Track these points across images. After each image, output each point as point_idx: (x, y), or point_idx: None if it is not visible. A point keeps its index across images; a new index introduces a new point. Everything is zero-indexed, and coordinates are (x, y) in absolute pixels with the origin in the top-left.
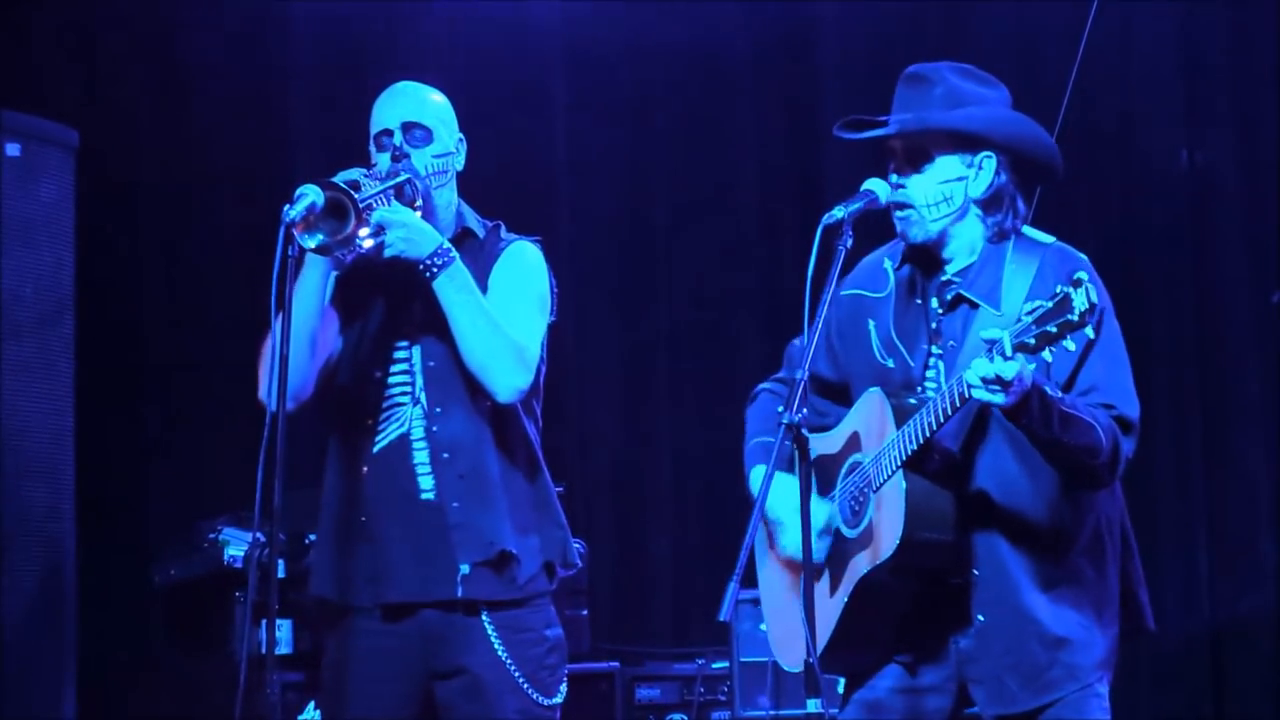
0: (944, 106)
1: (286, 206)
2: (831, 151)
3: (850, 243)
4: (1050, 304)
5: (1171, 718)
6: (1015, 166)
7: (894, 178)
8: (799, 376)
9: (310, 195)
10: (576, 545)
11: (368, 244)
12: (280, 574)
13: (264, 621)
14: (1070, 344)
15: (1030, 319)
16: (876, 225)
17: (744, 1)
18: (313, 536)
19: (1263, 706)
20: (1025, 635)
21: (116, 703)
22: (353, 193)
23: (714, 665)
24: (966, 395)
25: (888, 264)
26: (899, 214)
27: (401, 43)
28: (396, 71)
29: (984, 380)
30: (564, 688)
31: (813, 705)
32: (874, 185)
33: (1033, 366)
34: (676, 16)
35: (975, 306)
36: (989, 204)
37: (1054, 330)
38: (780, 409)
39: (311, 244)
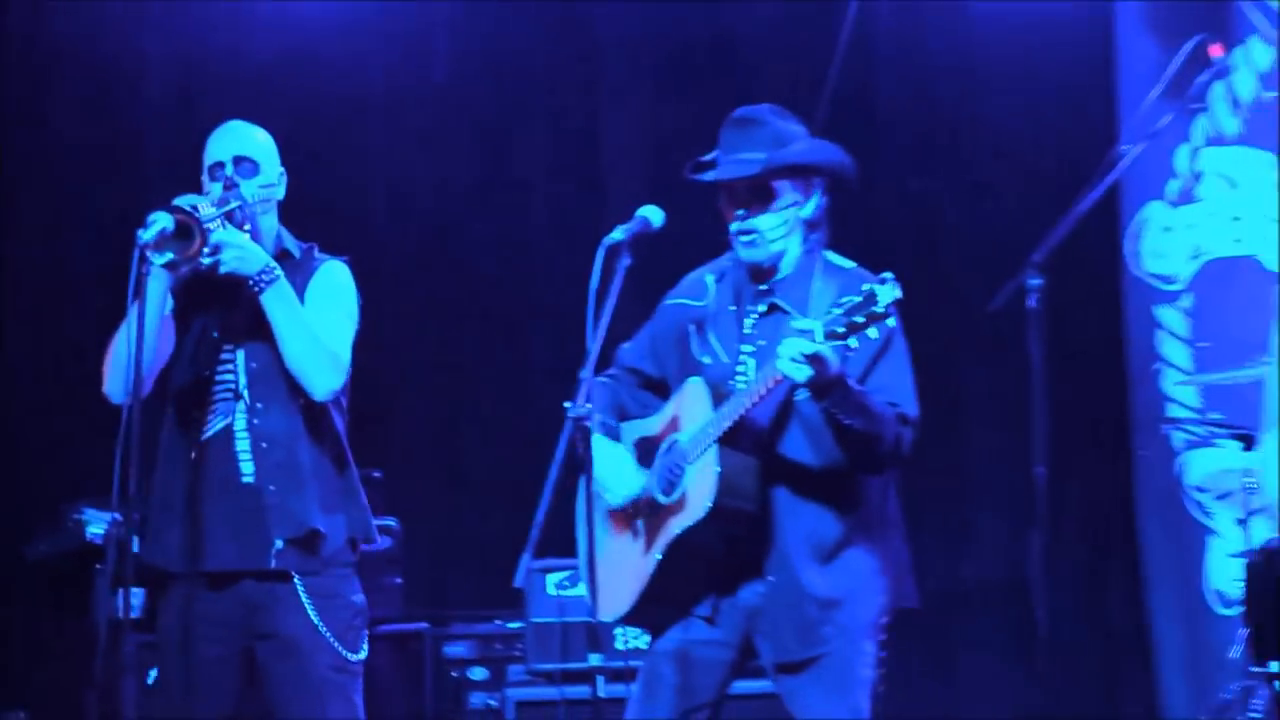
0: (775, 145)
1: (140, 230)
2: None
3: (629, 260)
4: (859, 298)
5: (921, 670)
6: (831, 189)
7: (740, 211)
8: (582, 376)
9: (161, 220)
10: (390, 522)
11: (206, 261)
12: (134, 549)
13: (119, 590)
14: (874, 332)
15: (840, 310)
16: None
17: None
18: None
19: (988, 660)
20: (804, 596)
21: None
22: (196, 217)
23: (510, 625)
24: (779, 376)
25: (709, 278)
26: (744, 238)
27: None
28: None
29: (794, 358)
30: (366, 645)
31: (594, 659)
32: (647, 212)
33: (836, 358)
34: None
35: (786, 313)
36: (813, 224)
37: (861, 320)
38: (571, 402)
39: (162, 261)
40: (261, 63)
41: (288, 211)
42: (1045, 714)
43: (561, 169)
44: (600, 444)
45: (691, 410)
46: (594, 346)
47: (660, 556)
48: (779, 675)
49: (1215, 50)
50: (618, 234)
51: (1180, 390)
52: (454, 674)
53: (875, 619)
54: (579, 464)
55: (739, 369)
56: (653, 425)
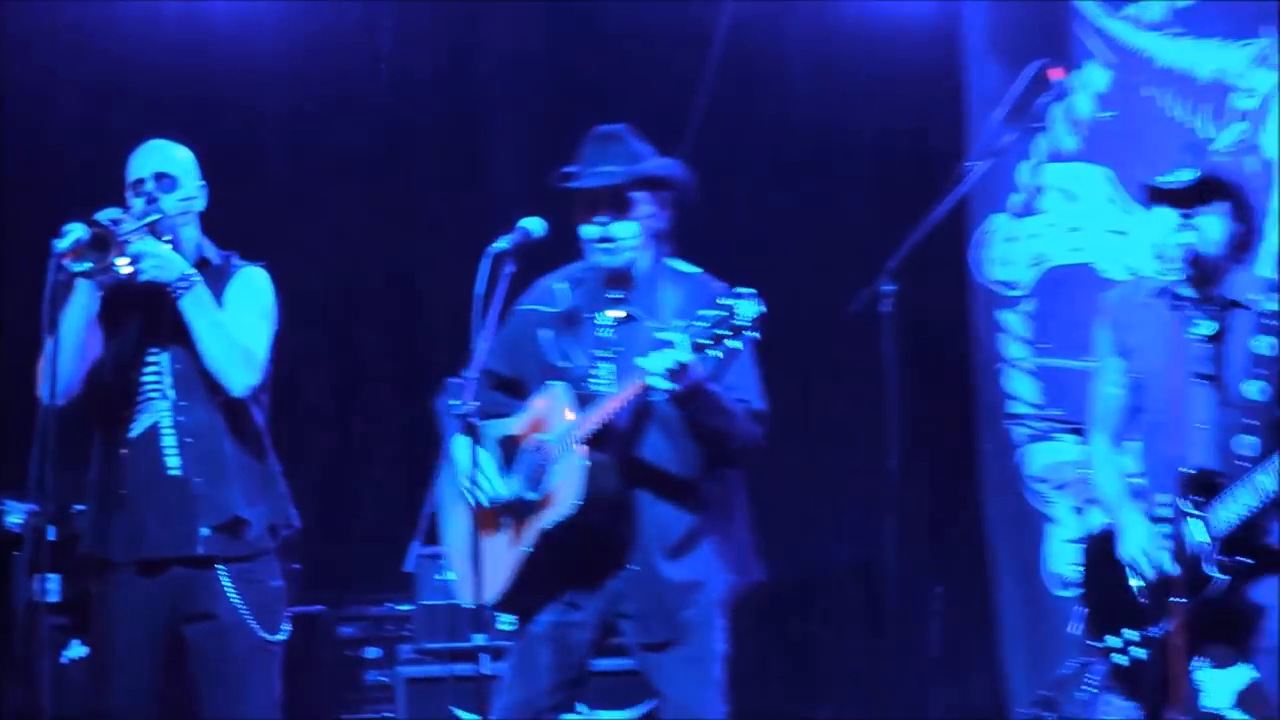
0: (631, 160)
1: (55, 240)
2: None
3: (513, 267)
4: (723, 312)
5: (780, 648)
6: (676, 203)
7: (600, 219)
8: (468, 376)
9: (76, 231)
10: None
11: (126, 270)
12: (50, 537)
13: (37, 576)
14: (738, 344)
15: (705, 324)
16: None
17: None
18: (78, 507)
19: (844, 638)
20: (665, 583)
21: None
22: (112, 228)
23: (401, 607)
24: (646, 385)
25: (558, 285)
26: (602, 245)
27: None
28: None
29: (662, 373)
30: (286, 626)
31: (479, 638)
32: (528, 223)
33: (700, 369)
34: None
35: (640, 320)
36: (663, 235)
37: (726, 332)
38: (455, 401)
39: (79, 269)
40: (170, 84)
41: (209, 221)
42: (898, 690)
43: (450, 181)
44: (465, 446)
45: (555, 412)
46: (480, 348)
47: (528, 548)
48: (643, 653)
49: (1055, 73)
50: (502, 243)
51: (1021, 387)
52: (348, 653)
53: (725, 598)
54: (503, 455)
55: (595, 373)
56: (514, 425)
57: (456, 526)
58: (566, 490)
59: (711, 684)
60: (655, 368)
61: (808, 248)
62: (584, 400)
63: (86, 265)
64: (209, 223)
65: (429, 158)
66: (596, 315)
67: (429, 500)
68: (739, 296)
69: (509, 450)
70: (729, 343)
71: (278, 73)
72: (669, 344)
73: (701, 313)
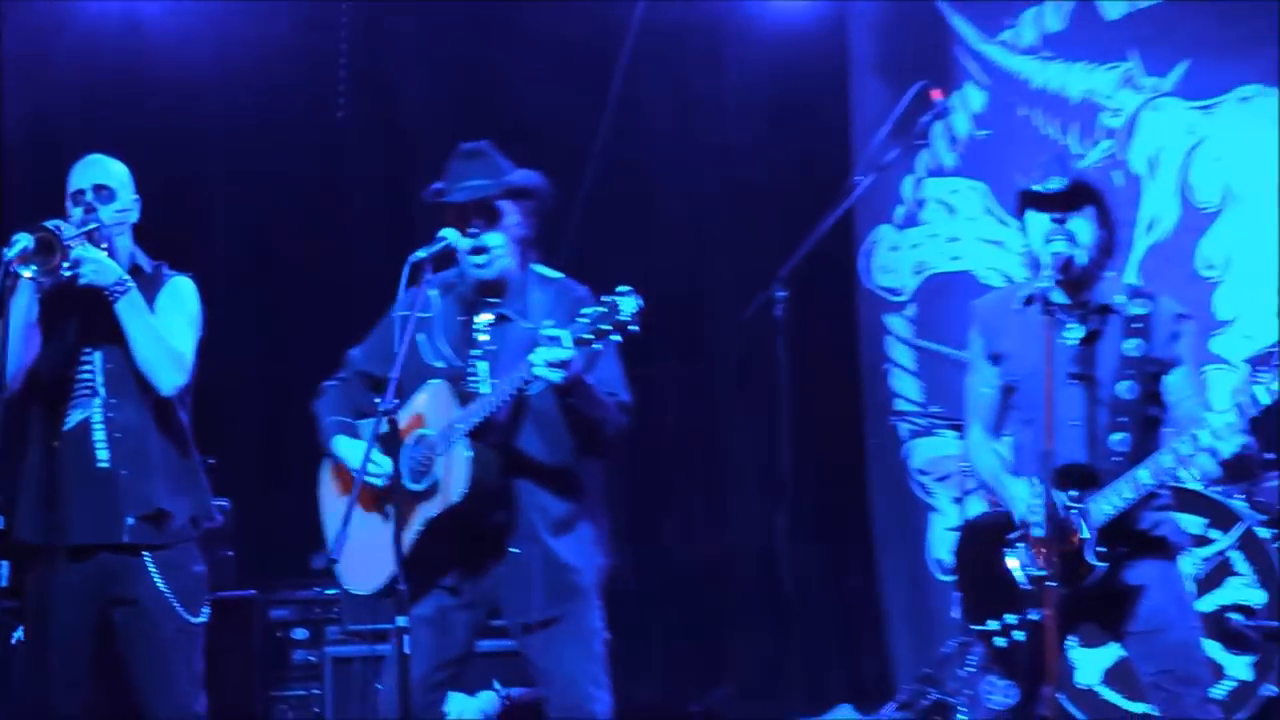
0: (498, 173)
1: (5, 249)
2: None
3: (431, 275)
4: (603, 309)
5: (681, 631)
6: (538, 212)
7: (472, 229)
8: (391, 376)
9: (23, 240)
10: (223, 503)
11: (67, 274)
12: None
13: None
14: (618, 337)
15: (585, 320)
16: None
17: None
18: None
19: (743, 621)
20: (547, 565)
21: None
22: (56, 234)
23: (328, 592)
24: (530, 379)
25: (433, 293)
26: (475, 256)
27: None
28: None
29: (548, 364)
30: (207, 609)
31: (400, 620)
32: (447, 234)
33: (581, 362)
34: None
35: (513, 321)
36: (529, 242)
37: (607, 327)
38: (377, 400)
39: (27, 273)
40: (107, 102)
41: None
42: (792, 669)
43: (376, 197)
44: (344, 443)
45: (435, 408)
46: (401, 350)
47: (413, 537)
48: (525, 633)
49: (936, 94)
50: (422, 253)
51: (905, 386)
52: (279, 634)
53: (600, 580)
54: (384, 448)
55: (472, 371)
56: (399, 420)
57: (336, 518)
58: (452, 481)
59: (594, 659)
60: (542, 361)
61: (706, 255)
62: (463, 397)
63: (33, 269)
64: (141, 233)
65: (354, 163)
66: (472, 318)
67: (354, 492)
68: (620, 295)
69: (390, 446)
70: (611, 337)
71: (213, 89)
72: (556, 340)
73: (585, 310)
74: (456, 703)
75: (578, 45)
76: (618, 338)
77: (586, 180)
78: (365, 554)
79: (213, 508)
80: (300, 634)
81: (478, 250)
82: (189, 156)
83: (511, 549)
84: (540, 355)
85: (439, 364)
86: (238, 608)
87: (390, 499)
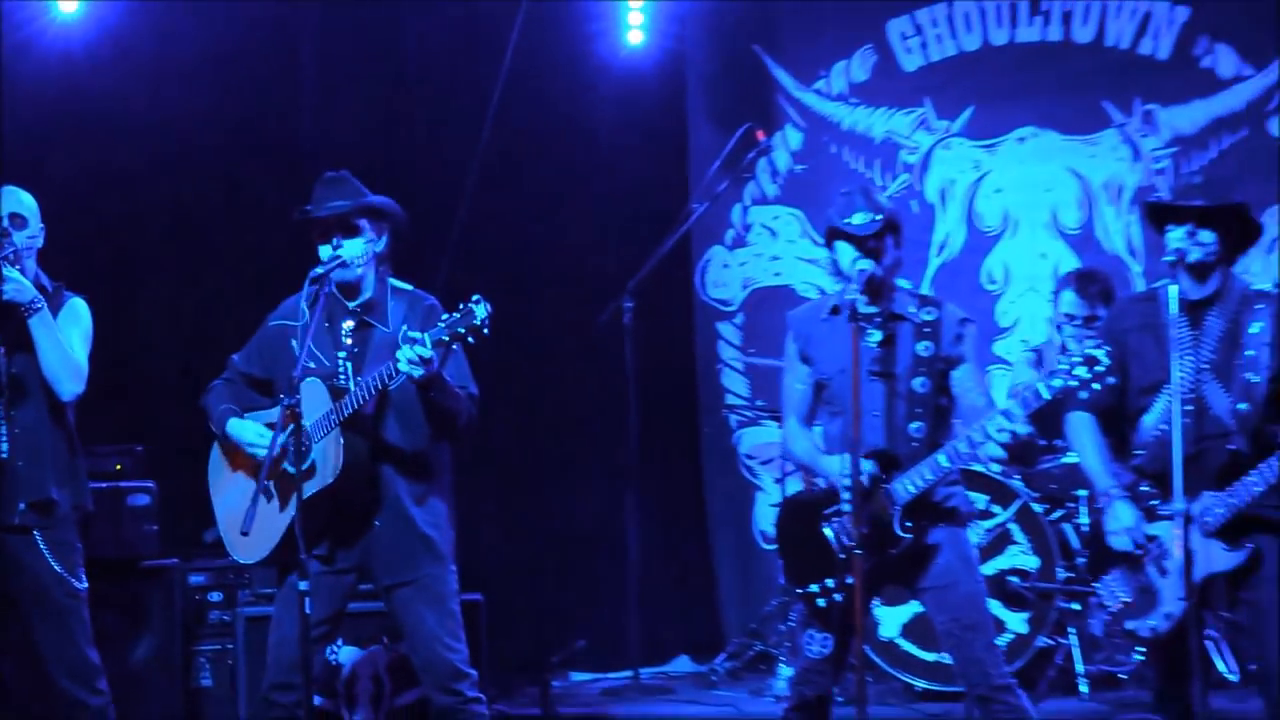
0: (357, 195)
1: None
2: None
3: (329, 287)
4: (458, 315)
5: (543, 594)
6: (393, 232)
7: (335, 241)
8: (295, 375)
9: None
10: (150, 484)
11: None
12: None
13: None
14: (471, 339)
15: (444, 324)
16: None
17: None
18: None
19: (600, 584)
20: (407, 533)
21: None
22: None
23: (241, 560)
24: (393, 374)
25: (304, 304)
26: (337, 267)
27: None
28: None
29: (410, 361)
30: (85, 578)
31: (302, 585)
32: (324, 251)
33: (438, 360)
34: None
35: (372, 326)
36: (383, 258)
37: (463, 331)
38: (282, 395)
39: None
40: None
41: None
42: (637, 625)
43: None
44: (237, 425)
45: (311, 402)
46: (302, 353)
47: (293, 513)
48: (391, 593)
49: (760, 135)
50: (320, 269)
51: (734, 383)
52: (197, 597)
53: (452, 548)
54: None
55: (340, 370)
56: (275, 414)
57: (224, 499)
58: (328, 464)
59: (450, 616)
60: (405, 359)
61: (567, 268)
62: (334, 392)
63: None
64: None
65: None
66: (338, 324)
67: (263, 472)
68: (474, 302)
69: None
70: (467, 339)
71: (116, 117)
72: (420, 341)
73: (444, 316)
74: (347, 654)
75: (460, 87)
76: (472, 340)
77: (464, 203)
78: (253, 529)
79: (89, 497)
80: (216, 597)
81: (338, 259)
82: (121, 150)
83: (376, 522)
84: (404, 354)
85: (311, 364)
86: (162, 575)
87: (273, 479)
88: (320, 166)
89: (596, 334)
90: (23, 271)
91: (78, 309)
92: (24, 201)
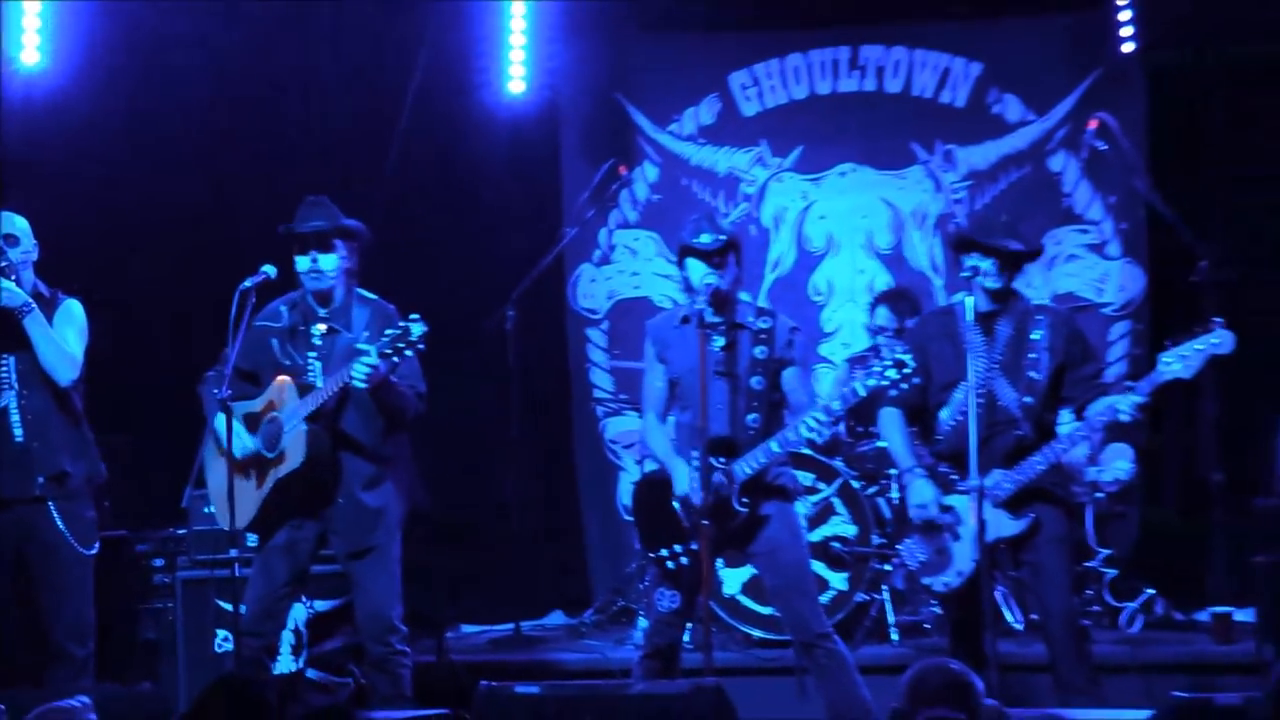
0: (334, 217)
1: None
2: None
3: (254, 299)
4: (399, 331)
5: (443, 561)
6: (360, 251)
7: (312, 255)
8: (225, 371)
9: None
10: (102, 467)
11: None
12: None
13: None
14: (410, 353)
15: (388, 339)
16: None
17: None
18: None
19: (485, 557)
20: (362, 508)
21: None
22: None
23: (179, 531)
24: (349, 380)
25: (283, 307)
26: (313, 275)
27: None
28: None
29: (361, 372)
30: (97, 544)
31: (233, 552)
32: (268, 269)
33: (385, 368)
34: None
35: (338, 332)
36: (352, 272)
37: (402, 345)
38: (216, 390)
39: None
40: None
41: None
42: (520, 584)
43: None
44: (223, 420)
45: (284, 396)
46: (232, 353)
47: (268, 491)
48: (348, 561)
49: (622, 169)
50: (247, 283)
51: (601, 380)
52: (143, 563)
53: (401, 522)
54: (249, 426)
55: (310, 369)
56: (255, 405)
57: (215, 476)
58: (295, 450)
59: (394, 579)
60: (357, 369)
61: (458, 283)
62: (302, 389)
63: None
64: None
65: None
66: (311, 328)
67: (198, 458)
68: (412, 321)
69: (253, 422)
70: (405, 353)
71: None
72: (366, 353)
73: (387, 331)
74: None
75: (365, 118)
76: (409, 353)
77: (375, 224)
78: (235, 502)
79: (101, 469)
80: (158, 563)
81: (314, 270)
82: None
83: (339, 500)
84: (355, 365)
85: (287, 363)
86: (113, 544)
87: (251, 462)
88: (259, 185)
89: (484, 338)
90: (19, 283)
91: (72, 309)
92: (17, 224)
